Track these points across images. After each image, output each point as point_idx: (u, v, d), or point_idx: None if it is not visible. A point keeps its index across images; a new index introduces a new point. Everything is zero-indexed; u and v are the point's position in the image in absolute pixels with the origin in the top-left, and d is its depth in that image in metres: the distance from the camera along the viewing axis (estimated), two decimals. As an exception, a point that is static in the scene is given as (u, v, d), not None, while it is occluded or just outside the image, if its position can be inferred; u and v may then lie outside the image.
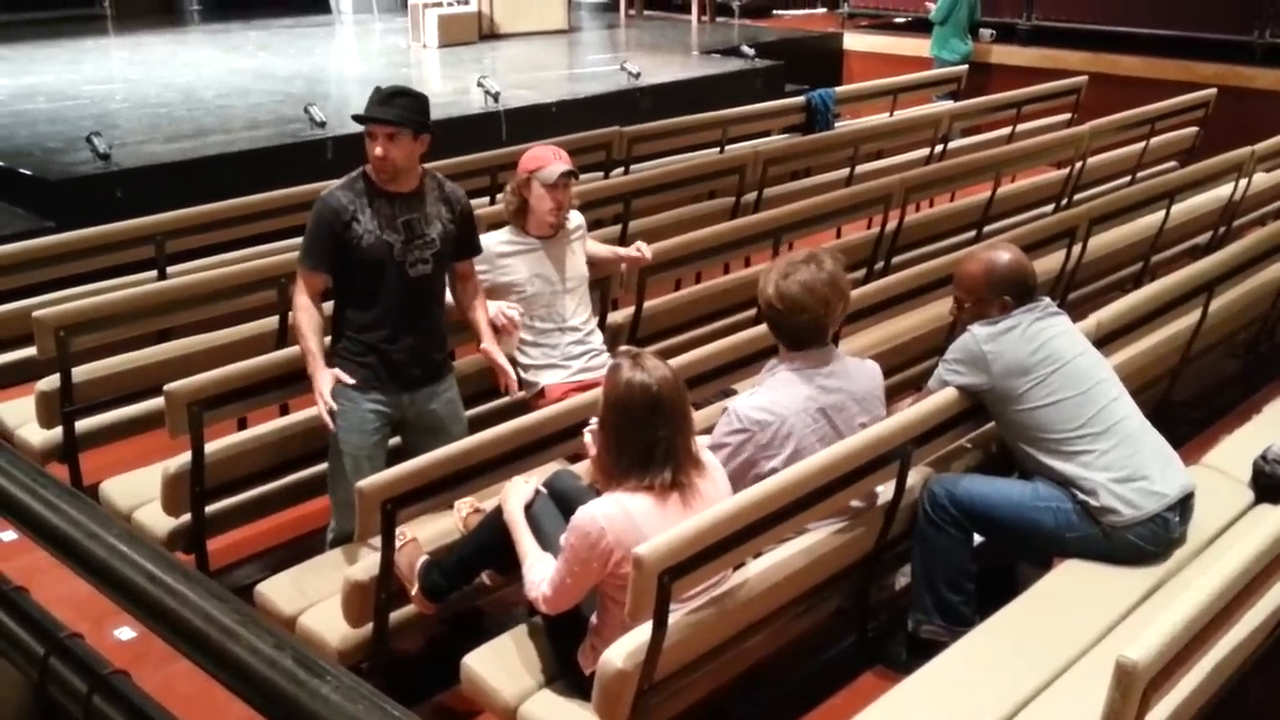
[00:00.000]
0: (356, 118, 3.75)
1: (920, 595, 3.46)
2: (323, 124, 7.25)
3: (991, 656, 3.05)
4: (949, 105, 8.68)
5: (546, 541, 2.97)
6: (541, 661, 3.05)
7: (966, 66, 9.83)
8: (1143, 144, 7.72)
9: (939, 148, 7.93)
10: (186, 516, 3.85)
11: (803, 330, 3.30)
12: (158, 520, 3.87)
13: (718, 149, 7.60)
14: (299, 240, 5.58)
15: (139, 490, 4.04)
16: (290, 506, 4.21)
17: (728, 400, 3.55)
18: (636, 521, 2.74)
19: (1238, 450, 4.02)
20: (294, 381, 4.03)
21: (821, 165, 7.58)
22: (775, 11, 13.88)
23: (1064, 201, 7.16)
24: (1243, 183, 6.68)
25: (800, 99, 8.46)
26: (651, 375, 2.83)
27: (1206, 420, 5.28)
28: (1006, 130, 8.36)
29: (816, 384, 3.31)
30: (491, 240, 4.37)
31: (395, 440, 4.03)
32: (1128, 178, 7.66)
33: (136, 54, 11.02)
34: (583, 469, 3.41)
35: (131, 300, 4.51)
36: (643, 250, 4.72)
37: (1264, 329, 5.64)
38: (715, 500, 2.88)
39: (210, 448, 3.80)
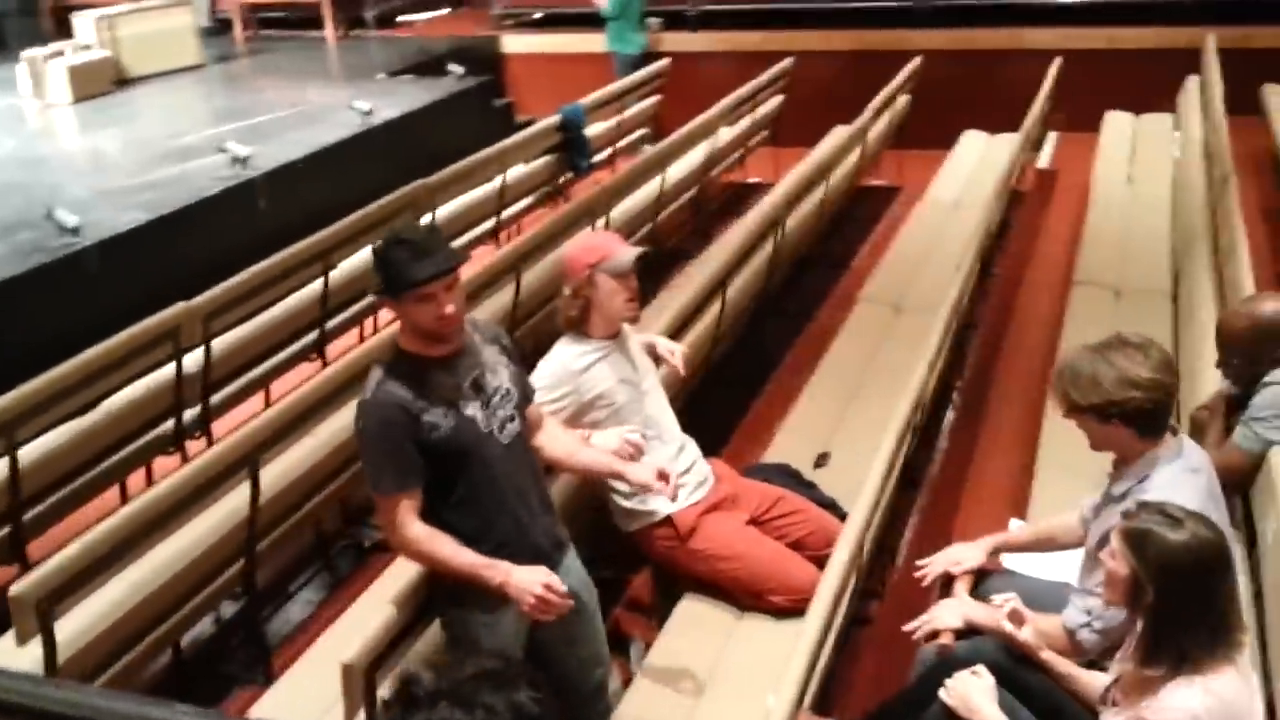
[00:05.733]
0: (416, 282, 2.79)
1: None
2: (76, 230, 5.86)
3: None
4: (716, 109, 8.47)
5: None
6: None
7: (667, 60, 9.80)
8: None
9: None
10: None
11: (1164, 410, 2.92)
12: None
13: (498, 184, 7.14)
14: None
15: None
16: None
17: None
18: (1232, 707, 2.38)
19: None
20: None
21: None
22: (400, 19, 13.06)
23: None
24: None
25: (555, 119, 8.04)
26: (1200, 524, 2.43)
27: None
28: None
29: (1201, 464, 2.98)
30: (565, 358, 3.67)
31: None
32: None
33: None
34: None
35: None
36: (676, 357, 3.99)
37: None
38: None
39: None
